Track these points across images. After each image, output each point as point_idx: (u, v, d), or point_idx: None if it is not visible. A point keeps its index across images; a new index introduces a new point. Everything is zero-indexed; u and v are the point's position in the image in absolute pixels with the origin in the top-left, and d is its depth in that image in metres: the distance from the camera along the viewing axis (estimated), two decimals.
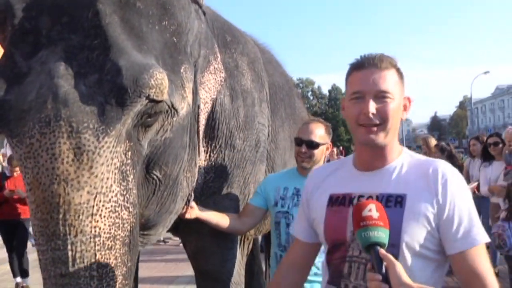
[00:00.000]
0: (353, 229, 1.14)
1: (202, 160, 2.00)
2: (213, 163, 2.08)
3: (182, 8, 1.56)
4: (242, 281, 2.24)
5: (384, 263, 1.04)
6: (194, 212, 1.95)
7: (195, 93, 1.67)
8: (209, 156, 2.06)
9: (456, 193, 1.19)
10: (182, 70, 1.55)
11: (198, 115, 1.74)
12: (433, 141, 6.47)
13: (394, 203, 1.20)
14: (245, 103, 2.20)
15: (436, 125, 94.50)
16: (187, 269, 5.21)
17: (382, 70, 1.22)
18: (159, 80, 1.32)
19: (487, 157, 5.04)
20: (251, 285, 3.20)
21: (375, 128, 1.21)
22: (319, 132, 2.14)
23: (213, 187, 2.09)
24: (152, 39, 1.43)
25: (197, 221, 2.04)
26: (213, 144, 2.07)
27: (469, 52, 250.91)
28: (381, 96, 1.21)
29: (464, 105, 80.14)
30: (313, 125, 2.17)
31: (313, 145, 2.11)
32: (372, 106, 1.19)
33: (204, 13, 1.86)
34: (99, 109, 1.27)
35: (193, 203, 1.90)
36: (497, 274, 4.81)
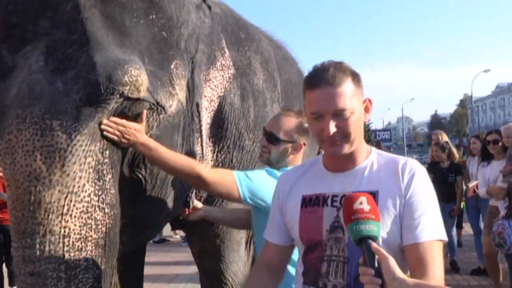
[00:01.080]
0: (344, 222, 1.13)
1: (208, 160, 1.95)
2: (221, 164, 2.04)
3: (172, 1, 1.50)
4: None
5: (376, 257, 1.03)
6: (199, 213, 1.88)
7: (192, 90, 1.62)
8: (217, 156, 2.02)
9: (419, 188, 1.23)
10: (172, 66, 1.50)
11: (199, 113, 1.69)
12: (444, 137, 6.34)
13: None
14: (256, 103, 2.16)
15: (436, 123, 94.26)
16: (188, 267, 5.21)
17: (336, 87, 1.20)
18: (134, 77, 1.28)
19: (486, 156, 4.61)
20: None
21: (338, 142, 1.23)
22: (286, 127, 1.77)
23: None
24: (136, 34, 1.38)
25: (203, 221, 2.00)
26: (221, 145, 2.02)
27: (470, 51, 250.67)
28: (340, 114, 1.21)
29: (464, 103, 79.99)
30: (283, 116, 1.81)
31: (272, 140, 1.76)
32: (332, 126, 1.20)
33: (210, 8, 1.81)
34: (72, 106, 1.24)
35: (198, 204, 1.84)
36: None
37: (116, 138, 1.39)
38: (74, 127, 1.23)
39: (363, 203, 1.08)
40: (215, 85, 1.83)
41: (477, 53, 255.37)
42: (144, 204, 1.51)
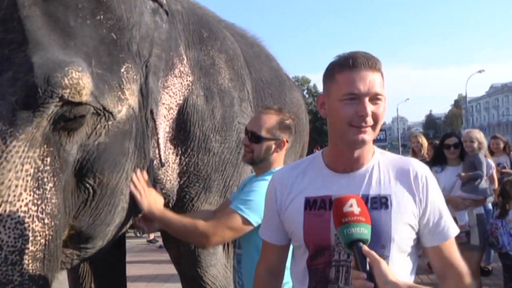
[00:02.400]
0: (334, 226, 1.11)
1: (170, 163, 1.88)
2: (185, 168, 1.95)
3: (122, 2, 1.41)
4: (230, 284, 2.17)
5: (368, 260, 1.02)
6: (153, 226, 1.80)
7: (146, 96, 1.53)
8: (180, 159, 1.93)
9: (434, 192, 1.26)
10: (122, 70, 1.41)
11: (155, 120, 1.61)
12: (424, 140, 6.41)
13: (379, 204, 1.20)
14: (222, 103, 2.06)
15: (431, 123, 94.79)
16: None
17: (376, 71, 1.21)
18: (74, 79, 1.19)
19: (438, 161, 4.05)
20: None
21: (367, 129, 1.20)
22: (267, 124, 1.76)
23: (189, 192, 1.99)
24: (82, 35, 1.30)
25: None
26: (184, 147, 1.93)
27: (464, 51, 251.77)
28: (375, 98, 1.20)
29: (459, 103, 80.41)
30: (263, 115, 1.80)
31: (255, 138, 1.74)
32: (369, 109, 1.18)
33: (167, 13, 1.73)
34: (8, 110, 1.15)
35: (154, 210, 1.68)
36: (491, 272, 4.86)
37: (138, 196, 1.57)
38: (9, 132, 1.15)
39: (353, 206, 1.06)
40: (174, 93, 1.77)
41: (471, 53, 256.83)
42: (92, 215, 1.42)
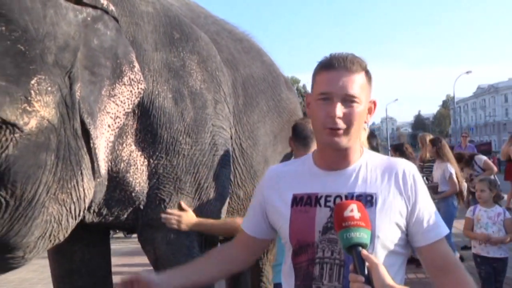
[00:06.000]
0: (334, 230, 1.12)
1: (139, 166, 1.91)
2: (154, 169, 1.95)
3: (26, 13, 1.39)
4: (212, 285, 2.15)
5: (367, 264, 1.03)
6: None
7: (71, 106, 1.52)
8: (149, 162, 1.93)
9: (423, 191, 1.26)
10: (33, 82, 1.39)
11: (88, 130, 1.58)
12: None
13: (365, 202, 1.20)
14: (193, 105, 2.03)
15: (419, 123, 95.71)
16: None
17: (352, 73, 1.20)
18: None
19: None
20: (238, 284, 3.17)
21: (340, 131, 1.20)
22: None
23: (160, 193, 1.98)
24: None
25: (151, 230, 2.01)
26: (152, 150, 1.93)
27: (452, 52, 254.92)
28: (348, 100, 1.20)
29: (447, 104, 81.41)
30: (308, 124, 2.02)
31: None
32: (340, 110, 1.18)
33: (117, 19, 1.71)
34: None
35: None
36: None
37: (175, 226, 1.96)
38: None
39: (354, 211, 1.07)
40: (122, 101, 1.72)
41: (459, 54, 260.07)
42: (5, 225, 1.42)
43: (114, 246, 2.76)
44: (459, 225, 5.48)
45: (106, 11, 1.65)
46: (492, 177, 5.33)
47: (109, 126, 1.69)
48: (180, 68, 2.04)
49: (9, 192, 1.37)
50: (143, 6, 1.98)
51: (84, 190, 1.62)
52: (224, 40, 2.49)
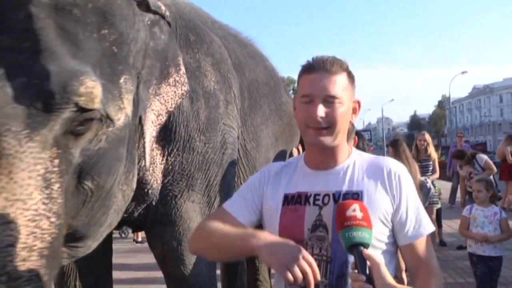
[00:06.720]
0: (336, 229, 1.13)
1: (157, 163, 1.96)
2: (170, 166, 2.02)
3: (124, 19, 1.52)
4: (213, 283, 2.20)
5: (368, 264, 1.04)
6: None
7: (136, 104, 1.63)
8: (167, 159, 2.01)
9: (408, 189, 1.29)
10: (121, 81, 1.50)
11: (142, 126, 1.69)
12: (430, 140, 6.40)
13: None
14: (207, 105, 2.13)
15: (415, 124, 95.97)
16: None
17: (332, 74, 1.24)
18: (89, 88, 1.28)
19: None
20: (234, 285, 3.18)
21: (323, 131, 1.24)
22: None
23: (172, 190, 2.04)
24: (89, 47, 1.38)
25: (160, 226, 2.02)
26: (170, 148, 2.01)
27: (448, 53, 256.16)
28: (329, 101, 1.23)
29: (442, 104, 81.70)
30: None
31: None
32: (321, 110, 1.22)
33: (169, 24, 1.82)
34: (23, 112, 1.22)
35: None
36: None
37: None
38: (25, 133, 1.22)
39: (356, 210, 1.08)
40: (165, 100, 1.83)
41: (455, 55, 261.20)
42: (88, 215, 1.48)
43: None
44: (454, 224, 5.53)
45: (163, 17, 1.77)
46: (491, 177, 5.36)
47: (152, 122, 1.79)
48: (196, 69, 2.13)
49: (95, 182, 1.44)
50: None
51: (134, 183, 1.72)
52: (230, 44, 2.59)
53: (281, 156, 2.83)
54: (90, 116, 1.34)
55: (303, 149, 2.28)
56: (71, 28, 1.34)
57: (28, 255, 1.20)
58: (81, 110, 1.30)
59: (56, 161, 1.29)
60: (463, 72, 42.48)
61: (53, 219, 1.26)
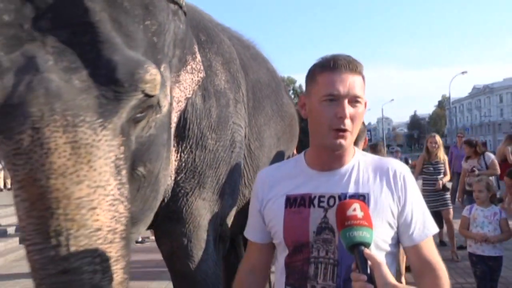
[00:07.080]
0: (337, 229, 1.12)
1: (172, 160, 1.98)
2: (184, 164, 2.05)
3: (162, 10, 1.57)
4: (219, 282, 2.21)
5: (369, 263, 1.04)
6: None
7: (168, 91, 1.68)
8: (180, 156, 2.04)
9: (413, 191, 1.28)
10: (162, 69, 1.54)
11: (170, 113, 1.73)
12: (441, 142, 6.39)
13: None
14: (218, 103, 2.17)
15: (415, 124, 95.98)
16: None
17: (357, 74, 1.23)
18: (153, 75, 1.33)
19: None
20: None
21: (347, 133, 1.21)
22: None
23: (184, 188, 2.06)
24: (138, 38, 1.43)
25: (170, 223, 2.03)
26: (184, 145, 2.04)
27: (447, 53, 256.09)
28: (354, 101, 1.22)
29: (442, 104, 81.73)
30: None
31: None
32: (348, 111, 1.20)
33: (185, 14, 1.85)
34: (94, 103, 1.26)
35: None
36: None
37: None
38: (99, 122, 1.27)
39: (356, 210, 1.08)
40: (184, 87, 1.89)
41: (455, 55, 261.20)
42: (143, 200, 1.55)
43: None
44: (454, 224, 5.52)
45: (180, 6, 1.80)
46: (492, 177, 5.36)
47: (173, 108, 1.81)
48: (207, 68, 2.16)
49: (146, 168, 1.49)
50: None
51: (170, 168, 1.76)
52: (235, 46, 2.62)
53: (280, 156, 2.84)
54: (151, 103, 1.40)
55: (298, 151, 2.30)
56: (122, 20, 1.38)
57: (113, 237, 1.26)
58: (147, 96, 1.35)
59: (122, 148, 1.34)
60: (463, 72, 42.44)
61: (125, 203, 1.32)
